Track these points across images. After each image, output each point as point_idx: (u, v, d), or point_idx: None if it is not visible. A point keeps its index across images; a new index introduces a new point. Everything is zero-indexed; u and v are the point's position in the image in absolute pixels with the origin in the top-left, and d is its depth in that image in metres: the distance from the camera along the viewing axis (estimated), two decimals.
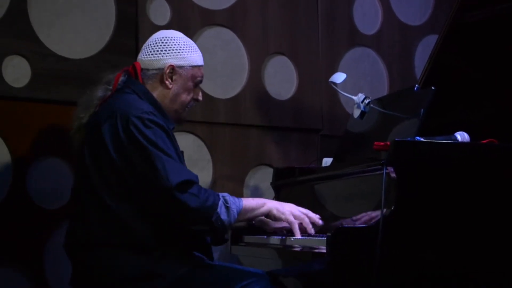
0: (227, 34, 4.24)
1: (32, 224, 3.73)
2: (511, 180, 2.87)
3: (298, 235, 3.01)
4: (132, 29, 4.01)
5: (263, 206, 3.07)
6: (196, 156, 4.09)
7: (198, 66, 3.19)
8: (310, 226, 3.04)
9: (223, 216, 2.90)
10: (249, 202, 3.04)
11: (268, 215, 3.08)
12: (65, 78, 3.82)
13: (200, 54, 3.21)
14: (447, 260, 2.80)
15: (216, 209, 2.89)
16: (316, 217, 3.09)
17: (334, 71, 4.32)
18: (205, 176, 4.14)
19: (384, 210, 2.74)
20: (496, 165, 2.87)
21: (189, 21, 4.13)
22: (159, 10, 4.08)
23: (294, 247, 3.02)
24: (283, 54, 4.37)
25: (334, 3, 4.53)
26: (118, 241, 2.92)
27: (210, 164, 4.18)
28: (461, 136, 2.99)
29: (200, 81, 3.22)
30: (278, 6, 4.36)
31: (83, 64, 3.87)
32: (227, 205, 2.92)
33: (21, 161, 3.73)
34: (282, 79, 4.37)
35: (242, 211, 2.98)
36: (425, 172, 2.81)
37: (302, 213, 3.08)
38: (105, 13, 3.94)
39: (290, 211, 3.07)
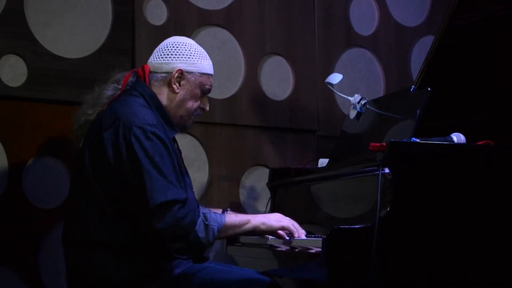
0: (223, 34, 4.24)
1: (28, 223, 3.73)
2: (507, 181, 2.87)
3: (302, 236, 3.00)
4: (128, 29, 4.00)
5: (247, 223, 3.02)
6: (192, 156, 4.09)
7: (208, 75, 3.17)
8: (301, 230, 3.04)
9: (201, 234, 2.87)
10: (232, 219, 3.00)
11: (255, 231, 3.04)
12: (61, 78, 3.82)
13: (211, 63, 3.19)
14: (442, 260, 2.80)
15: (194, 227, 2.86)
16: (300, 228, 3.07)
17: (330, 71, 4.31)
18: (201, 177, 4.14)
19: (380, 210, 2.74)
20: (492, 166, 2.87)
21: (185, 21, 4.13)
22: (155, 10, 4.08)
23: (289, 248, 3.02)
24: (279, 54, 4.37)
25: (331, 3, 4.53)
26: (114, 243, 2.91)
27: (206, 165, 4.18)
28: (457, 137, 2.99)
29: (209, 90, 3.19)
30: (274, 6, 4.36)
31: (80, 63, 3.87)
32: (207, 222, 2.89)
33: (16, 160, 3.73)
34: (278, 79, 4.38)
35: (223, 228, 2.94)
36: (421, 173, 2.81)
37: (290, 220, 3.08)
38: (101, 13, 3.94)
39: (276, 220, 3.06)
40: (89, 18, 3.92)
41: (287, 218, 3.09)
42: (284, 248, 3.09)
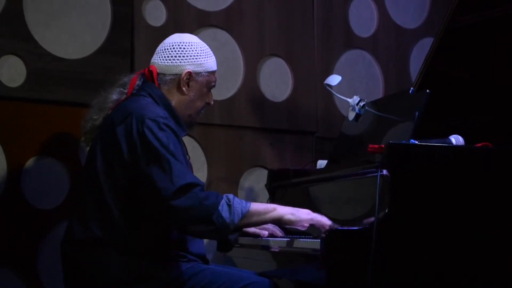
0: (222, 36, 4.24)
1: (26, 224, 3.73)
2: (505, 183, 2.87)
3: (327, 226, 2.91)
4: (127, 30, 4.00)
5: (273, 211, 2.97)
6: (191, 158, 4.08)
7: (213, 72, 3.19)
8: (330, 224, 2.96)
9: (225, 214, 2.85)
10: (257, 205, 2.96)
11: (281, 220, 2.98)
12: (60, 78, 3.82)
13: (215, 59, 3.20)
14: (441, 262, 2.80)
15: (217, 207, 2.85)
16: (327, 221, 2.99)
17: (329, 73, 4.32)
18: (199, 178, 4.10)
19: (378, 212, 2.74)
20: (490, 168, 2.87)
21: (184, 22, 4.13)
22: (154, 11, 4.08)
23: (288, 249, 3.02)
24: (278, 56, 4.38)
25: (330, 5, 4.53)
26: (114, 242, 2.92)
27: (205, 166, 4.18)
28: (456, 139, 2.99)
29: (214, 86, 3.21)
30: (274, 7, 4.36)
31: (79, 64, 3.87)
32: (230, 203, 2.88)
33: (15, 161, 3.73)
34: (277, 81, 4.38)
35: (248, 214, 2.90)
36: (419, 174, 2.81)
37: (318, 215, 3.01)
38: (100, 14, 3.94)
39: (306, 213, 2.98)
40: (88, 19, 3.92)
41: (316, 213, 3.00)
42: (276, 249, 3.09)
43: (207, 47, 3.20)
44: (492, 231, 2.85)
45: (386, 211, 2.75)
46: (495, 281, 2.85)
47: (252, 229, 3.24)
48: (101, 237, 2.93)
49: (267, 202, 3.77)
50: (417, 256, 2.79)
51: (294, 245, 2.97)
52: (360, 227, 2.75)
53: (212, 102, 3.25)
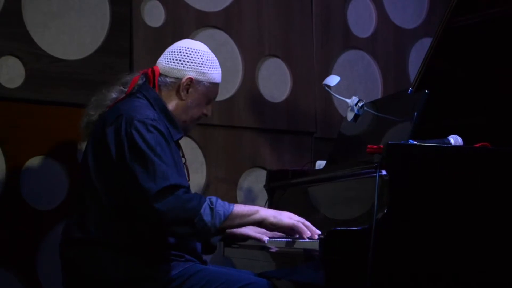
0: (221, 36, 4.24)
1: (25, 224, 3.73)
2: (504, 184, 2.88)
3: (307, 235, 2.92)
4: (126, 30, 4.00)
5: (255, 213, 2.97)
6: (189, 158, 4.09)
7: (216, 84, 3.18)
8: (312, 228, 2.98)
9: (206, 217, 2.85)
10: (240, 207, 2.96)
11: (263, 223, 2.98)
12: (59, 79, 3.82)
13: (220, 72, 3.19)
14: (439, 261, 2.80)
15: (200, 210, 2.84)
16: (312, 226, 3.00)
17: (328, 73, 4.32)
18: (198, 179, 4.14)
19: (377, 212, 2.74)
20: (489, 168, 2.88)
21: (183, 23, 4.13)
22: (153, 12, 4.08)
23: (286, 250, 3.02)
24: (277, 56, 4.38)
25: (329, 5, 4.53)
26: (112, 242, 2.92)
27: (204, 166, 4.18)
28: (454, 139, 2.99)
29: (214, 98, 3.21)
30: (272, 8, 4.36)
31: (77, 65, 3.87)
32: (212, 206, 2.87)
33: (14, 162, 3.73)
34: (276, 81, 4.38)
35: (230, 216, 2.90)
36: (418, 175, 2.81)
37: (300, 220, 3.01)
38: (99, 15, 3.94)
39: (288, 217, 2.99)
40: (87, 19, 3.92)
41: (299, 217, 3.01)
42: (275, 249, 3.09)
43: (215, 58, 3.19)
44: (491, 231, 2.85)
45: (385, 211, 2.76)
46: (494, 281, 2.85)
47: (252, 234, 3.24)
48: (98, 236, 2.93)
49: (265, 203, 3.78)
50: (416, 256, 2.79)
51: (293, 246, 2.97)
52: (359, 228, 2.75)
53: (210, 114, 3.23)
